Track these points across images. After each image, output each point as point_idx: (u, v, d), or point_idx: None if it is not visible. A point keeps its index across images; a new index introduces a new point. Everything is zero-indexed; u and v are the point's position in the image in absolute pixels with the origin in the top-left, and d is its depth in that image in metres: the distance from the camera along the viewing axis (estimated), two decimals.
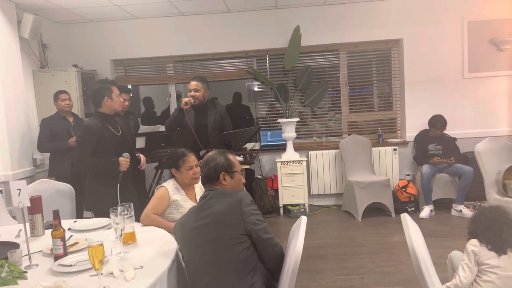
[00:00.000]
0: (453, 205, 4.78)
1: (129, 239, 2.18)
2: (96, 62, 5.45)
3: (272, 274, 1.94)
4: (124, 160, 2.97)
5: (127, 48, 5.50)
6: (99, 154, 2.97)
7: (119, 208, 2.06)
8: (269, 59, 5.64)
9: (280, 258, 1.92)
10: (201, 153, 3.61)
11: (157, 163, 4.60)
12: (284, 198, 5.11)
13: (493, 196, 4.02)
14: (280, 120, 5.14)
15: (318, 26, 5.33)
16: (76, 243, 2.18)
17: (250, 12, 5.37)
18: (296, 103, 5.46)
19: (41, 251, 2.13)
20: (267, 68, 5.66)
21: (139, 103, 6.90)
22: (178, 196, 2.68)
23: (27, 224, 2.24)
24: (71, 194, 3.27)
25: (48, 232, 2.31)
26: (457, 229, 4.23)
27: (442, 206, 4.90)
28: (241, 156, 4.98)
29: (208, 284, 1.85)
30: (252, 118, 6.41)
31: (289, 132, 5.08)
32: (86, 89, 4.97)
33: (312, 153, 5.39)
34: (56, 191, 3.23)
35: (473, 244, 2.07)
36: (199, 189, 2.83)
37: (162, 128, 4.60)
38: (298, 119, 5.19)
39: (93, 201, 3.06)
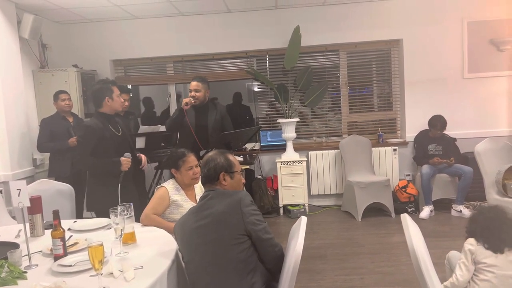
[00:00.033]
0: (453, 205, 4.78)
1: (129, 239, 2.18)
2: (96, 62, 5.45)
3: (272, 275, 1.94)
4: (125, 160, 2.97)
5: (127, 48, 5.50)
6: (100, 154, 2.97)
7: (119, 208, 2.06)
8: (269, 59, 5.64)
9: (280, 258, 1.92)
10: (201, 153, 3.61)
11: (157, 163, 4.60)
12: (284, 198, 5.11)
13: (493, 197, 4.02)
14: (280, 120, 5.14)
15: (318, 26, 5.33)
16: (76, 243, 2.18)
17: (250, 12, 5.37)
18: (296, 103, 5.46)
19: (41, 251, 2.12)
20: (267, 68, 5.66)
21: (139, 103, 6.90)
22: (178, 196, 2.68)
23: (27, 224, 2.23)
24: (71, 194, 3.27)
25: (48, 232, 2.31)
26: (457, 229, 4.22)
27: (442, 206, 4.90)
28: (241, 156, 4.98)
29: (208, 285, 1.85)
30: (252, 118, 6.41)
31: (289, 132, 5.08)
32: (86, 89, 4.97)
33: (312, 153, 5.39)
34: (56, 191, 3.22)
35: (470, 243, 2.09)
36: (199, 189, 2.83)
37: (162, 128, 4.60)
38: (298, 119, 5.19)
39: (94, 201, 3.07)
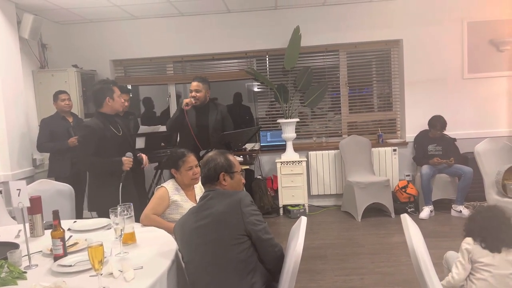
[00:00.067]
0: (452, 205, 4.78)
1: (129, 239, 2.18)
2: (96, 62, 5.45)
3: (272, 275, 1.94)
4: (127, 160, 2.98)
5: (127, 48, 5.50)
6: (101, 154, 2.97)
7: (118, 208, 2.06)
8: (269, 59, 5.64)
9: (280, 258, 1.92)
10: (201, 153, 3.61)
11: (156, 163, 4.60)
12: (284, 199, 5.11)
13: (493, 197, 4.02)
14: (280, 120, 5.14)
15: (318, 27, 5.33)
16: (75, 244, 2.17)
17: (250, 13, 5.38)
18: (296, 104, 5.46)
19: (41, 251, 2.12)
20: (267, 69, 5.66)
21: (139, 103, 6.90)
22: (177, 196, 2.68)
23: (27, 225, 2.23)
24: (70, 195, 3.26)
25: (48, 232, 2.31)
26: (457, 229, 4.20)
27: (442, 206, 4.90)
28: (241, 156, 4.98)
29: (208, 285, 1.84)
30: (253, 119, 6.41)
31: (289, 133, 5.08)
32: (85, 89, 4.97)
33: (312, 153, 5.39)
34: (56, 192, 3.22)
35: (467, 243, 2.10)
36: (199, 189, 2.83)
37: (161, 128, 4.60)
38: (298, 120, 5.19)
39: (96, 202, 3.07)
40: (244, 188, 2.23)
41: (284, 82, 5.40)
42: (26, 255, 1.97)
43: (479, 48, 5.24)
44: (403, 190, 4.93)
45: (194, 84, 3.85)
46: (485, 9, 5.18)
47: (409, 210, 4.86)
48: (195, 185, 2.82)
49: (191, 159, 2.73)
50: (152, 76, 5.77)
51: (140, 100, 6.93)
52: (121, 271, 1.79)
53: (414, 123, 5.30)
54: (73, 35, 5.45)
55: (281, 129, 5.23)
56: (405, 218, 1.87)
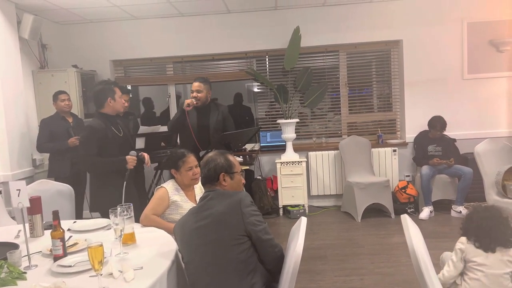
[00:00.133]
0: (452, 206, 4.78)
1: (128, 239, 2.18)
2: (96, 62, 5.44)
3: (272, 275, 1.94)
4: (131, 158, 2.99)
5: (127, 48, 5.49)
6: (102, 154, 2.98)
7: (118, 208, 2.06)
8: (268, 60, 5.64)
9: (280, 259, 1.92)
10: (201, 154, 3.61)
11: (156, 164, 4.60)
12: (284, 199, 5.11)
13: (493, 197, 4.02)
14: (279, 121, 5.14)
15: (318, 27, 5.33)
16: (75, 244, 2.17)
17: (250, 13, 5.38)
18: (295, 104, 5.46)
19: (41, 251, 2.12)
20: (266, 69, 5.66)
21: (139, 103, 6.90)
22: (177, 196, 2.68)
23: (27, 225, 2.23)
24: (70, 195, 3.27)
25: (48, 232, 2.31)
26: (457, 230, 4.11)
27: (442, 207, 4.90)
28: (241, 156, 4.98)
29: (208, 285, 1.84)
30: (253, 119, 6.41)
31: (289, 133, 5.08)
32: (85, 90, 4.97)
33: (311, 154, 5.39)
34: (56, 192, 3.22)
35: (461, 242, 2.11)
36: (199, 189, 2.83)
37: (161, 128, 4.60)
38: (297, 120, 5.19)
39: (98, 202, 3.06)
40: (244, 189, 2.23)
41: (284, 82, 5.40)
42: (26, 256, 1.97)
43: (479, 49, 5.24)
44: (403, 190, 4.93)
45: (196, 85, 3.85)
46: (485, 9, 5.19)
47: (409, 210, 4.86)
48: (195, 186, 2.82)
49: (191, 159, 2.73)
50: (152, 77, 5.77)
51: (140, 101, 6.93)
52: (121, 272, 1.78)
53: (414, 124, 5.30)
54: (73, 35, 5.45)
55: (281, 130, 5.23)
56: (405, 219, 1.87)
